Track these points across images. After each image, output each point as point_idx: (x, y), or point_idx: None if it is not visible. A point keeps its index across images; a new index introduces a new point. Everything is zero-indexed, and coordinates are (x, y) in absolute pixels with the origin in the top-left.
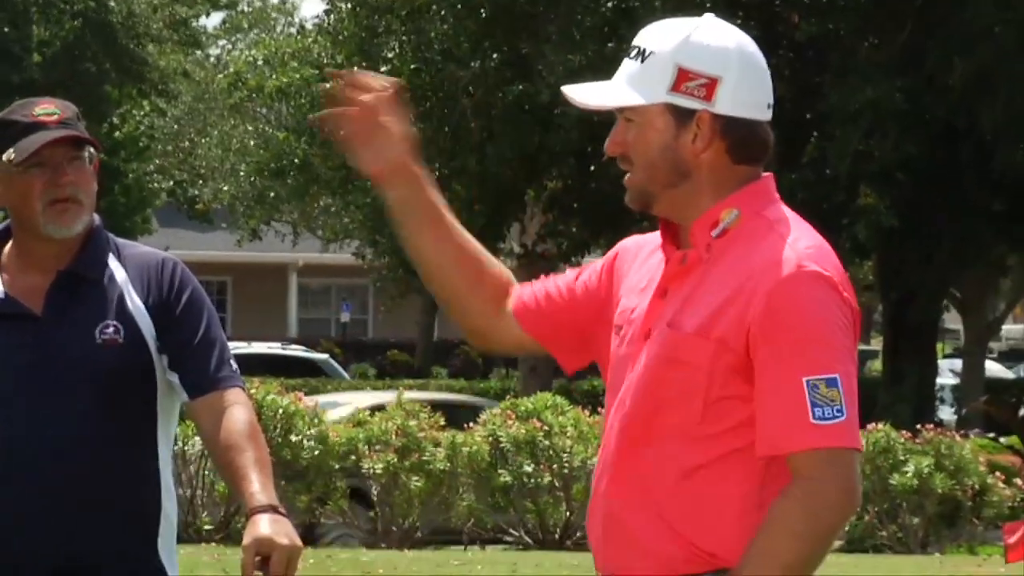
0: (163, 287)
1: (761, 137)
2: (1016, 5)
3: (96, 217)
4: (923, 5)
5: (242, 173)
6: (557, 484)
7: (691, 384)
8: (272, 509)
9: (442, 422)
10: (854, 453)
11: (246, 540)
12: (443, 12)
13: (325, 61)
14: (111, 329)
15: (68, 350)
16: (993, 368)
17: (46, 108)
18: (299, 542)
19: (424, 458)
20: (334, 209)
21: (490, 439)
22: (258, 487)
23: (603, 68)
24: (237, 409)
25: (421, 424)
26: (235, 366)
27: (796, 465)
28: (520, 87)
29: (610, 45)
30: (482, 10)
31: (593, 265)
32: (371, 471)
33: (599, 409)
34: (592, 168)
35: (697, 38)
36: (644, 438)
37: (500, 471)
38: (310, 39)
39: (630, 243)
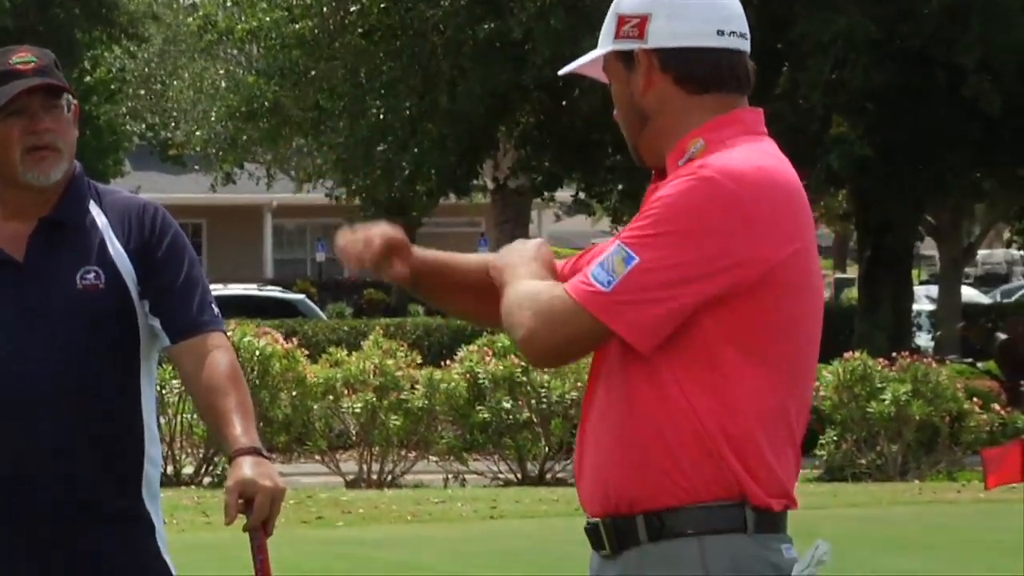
0: (144, 232)
1: (712, 64)
2: None
3: (77, 164)
4: None
5: (213, 117)
6: (535, 420)
7: None
8: (255, 452)
9: (419, 360)
10: (582, 316)
11: (229, 482)
12: None
13: (295, 2)
14: (92, 275)
15: (50, 296)
16: (970, 293)
17: (22, 57)
18: (282, 484)
19: (402, 396)
20: (307, 150)
21: (468, 376)
22: (240, 430)
23: (575, 6)
24: (219, 352)
25: (399, 363)
26: (216, 310)
27: (557, 298)
28: (491, 25)
29: None
30: None
31: None
32: (350, 411)
33: None
34: (564, 103)
35: None
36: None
37: (478, 408)
38: None
39: None
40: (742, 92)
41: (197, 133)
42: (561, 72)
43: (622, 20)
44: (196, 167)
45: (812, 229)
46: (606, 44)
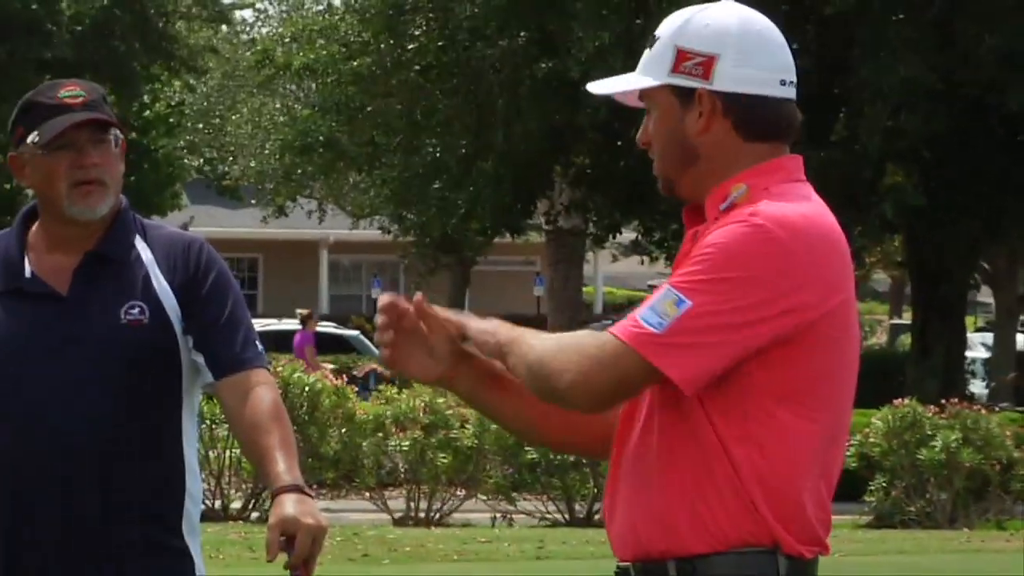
0: (189, 267)
1: (772, 113)
2: None
3: (123, 199)
4: None
5: (267, 151)
6: (584, 461)
7: None
8: (297, 489)
9: None
10: (635, 356)
11: (272, 520)
12: None
13: (352, 39)
14: (136, 310)
15: (93, 330)
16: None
17: (71, 90)
18: (324, 522)
19: (452, 435)
20: (362, 185)
21: None
22: (283, 467)
23: (631, 45)
24: (262, 389)
25: (448, 401)
26: (260, 346)
27: (602, 340)
28: (548, 64)
29: (638, 21)
30: None
31: None
32: (398, 448)
33: None
34: (619, 144)
35: (698, 19)
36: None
37: (527, 447)
38: (337, 17)
39: None
40: (789, 140)
41: (254, 166)
42: (592, 89)
43: (683, 55)
44: (252, 201)
45: (852, 278)
46: (658, 74)
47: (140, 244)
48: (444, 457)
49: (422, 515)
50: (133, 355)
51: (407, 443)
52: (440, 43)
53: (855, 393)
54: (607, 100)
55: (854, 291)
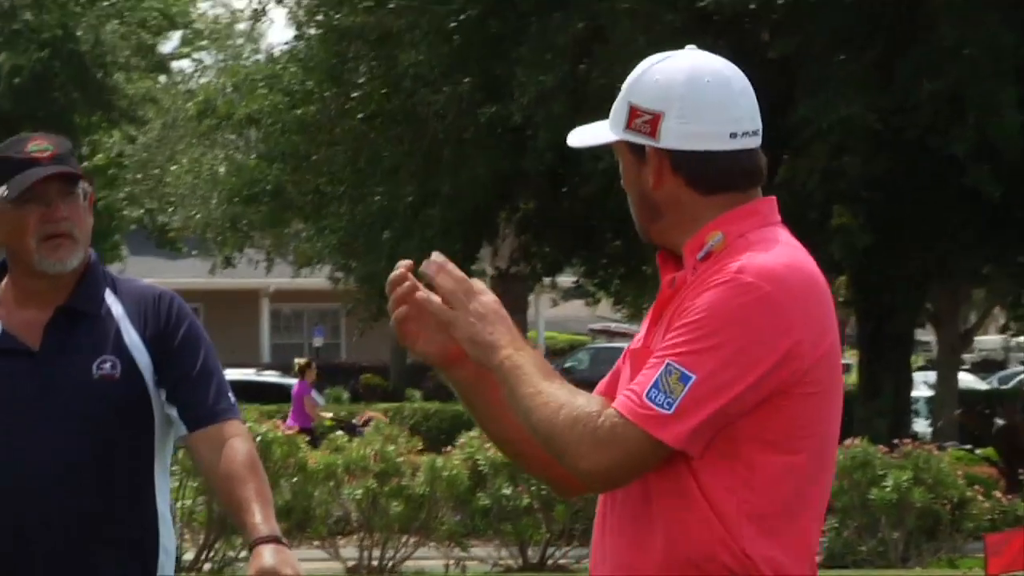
0: (160, 321)
1: (723, 167)
2: (983, 27)
3: (92, 252)
4: (893, 24)
5: (214, 202)
6: (536, 506)
7: None
8: (275, 540)
9: (420, 446)
10: (650, 441)
11: (250, 571)
12: (415, 38)
13: (296, 87)
14: (108, 364)
15: (66, 385)
16: (966, 379)
17: (39, 144)
18: (302, 572)
19: (403, 482)
20: (305, 234)
21: (469, 462)
22: (260, 518)
23: (575, 88)
24: (237, 441)
25: (400, 449)
26: (233, 398)
27: (605, 418)
28: (492, 109)
29: (581, 66)
30: (455, 37)
31: None
32: (351, 497)
33: None
34: (564, 189)
35: (649, 74)
36: None
37: (479, 494)
38: (279, 66)
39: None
40: (755, 186)
41: (198, 217)
42: (571, 143)
43: (634, 111)
44: (194, 251)
45: (835, 319)
46: (616, 130)
47: (111, 298)
48: (396, 505)
49: (375, 563)
50: (106, 410)
51: (359, 491)
52: (384, 90)
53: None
54: (552, 145)
55: (838, 332)
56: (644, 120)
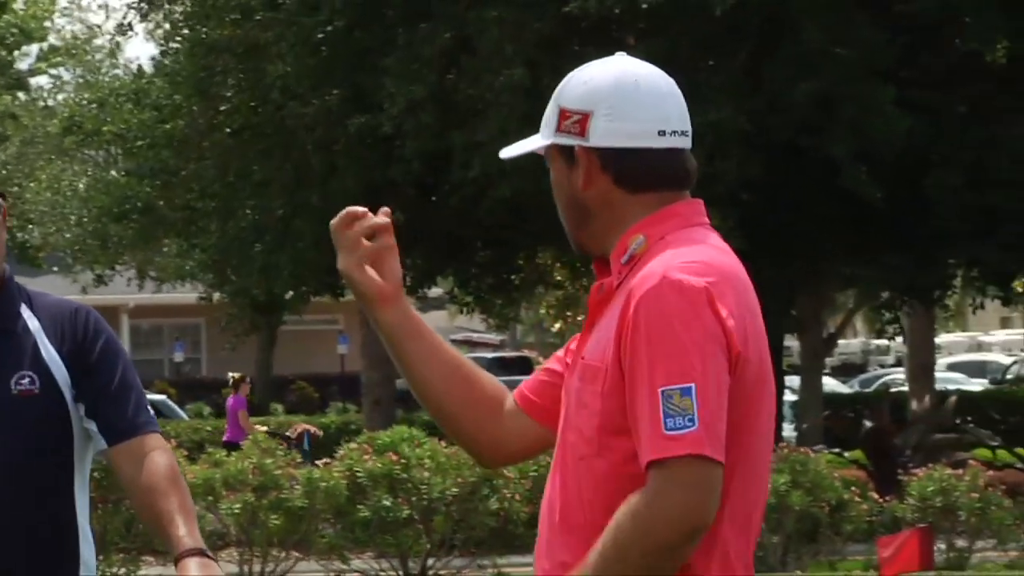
0: (77, 335)
1: (652, 164)
2: (853, 26)
3: (7, 267)
4: (762, 27)
5: (86, 219)
6: (416, 517)
7: (592, 411)
8: (200, 552)
9: (299, 459)
10: (704, 461)
11: None
12: (282, 51)
13: (164, 102)
14: (27, 380)
15: None
16: (829, 383)
17: None
18: None
19: (282, 495)
20: (166, 250)
21: (348, 474)
22: (184, 531)
23: (443, 99)
24: (157, 454)
25: (278, 462)
26: (151, 411)
27: (650, 474)
28: (361, 120)
29: (449, 76)
30: (322, 49)
31: None
32: (229, 511)
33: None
34: (434, 199)
35: (577, 78)
36: (572, 472)
37: (359, 506)
38: (145, 80)
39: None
40: (683, 188)
41: (67, 236)
42: (502, 155)
43: (564, 113)
44: (55, 268)
45: (761, 317)
46: (547, 135)
47: (26, 313)
48: (275, 518)
49: None
50: (25, 425)
51: (238, 505)
52: (252, 104)
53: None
54: (421, 156)
55: (764, 331)
56: (573, 121)
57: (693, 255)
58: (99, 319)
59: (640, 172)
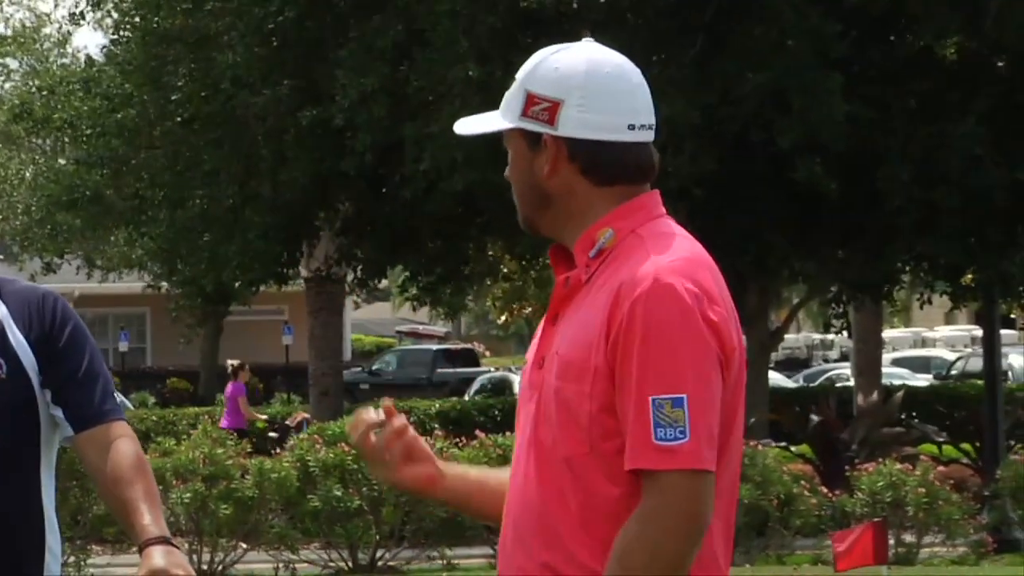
0: (45, 322)
1: (620, 158)
2: (804, 18)
3: None
4: (713, 21)
5: (34, 207)
6: (367, 507)
7: (577, 411)
8: (165, 541)
9: (249, 448)
10: (697, 474)
11: (141, 572)
12: (232, 40)
13: (115, 91)
14: None
15: None
16: (774, 377)
17: None
18: (192, 572)
19: (232, 485)
20: (116, 239)
21: (298, 464)
22: (149, 519)
23: (395, 91)
24: (123, 442)
25: (228, 452)
26: (118, 399)
27: (644, 485)
28: (312, 112)
29: (401, 68)
30: (273, 39)
31: None
32: (179, 500)
33: None
34: (384, 190)
35: (547, 63)
36: (545, 467)
37: (309, 496)
38: (95, 69)
39: None
40: (646, 180)
41: (15, 224)
42: (458, 130)
43: (531, 99)
44: (0, 256)
45: (733, 307)
46: (511, 118)
47: None
48: (225, 508)
49: (204, 568)
50: None
51: (188, 495)
52: (203, 93)
53: None
54: (372, 147)
55: (738, 320)
56: (542, 108)
57: (675, 252)
58: (67, 306)
59: (607, 165)
